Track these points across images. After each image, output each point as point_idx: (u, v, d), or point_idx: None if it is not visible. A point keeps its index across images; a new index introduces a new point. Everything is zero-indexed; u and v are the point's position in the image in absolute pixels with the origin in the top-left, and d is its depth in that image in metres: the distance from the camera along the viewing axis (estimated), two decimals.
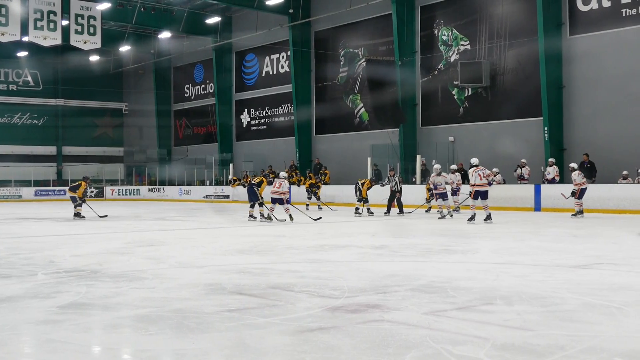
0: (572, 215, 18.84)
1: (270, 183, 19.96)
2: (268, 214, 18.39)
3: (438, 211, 19.98)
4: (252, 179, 20.42)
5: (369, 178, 23.67)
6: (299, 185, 29.01)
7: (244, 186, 32.93)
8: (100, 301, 6.37)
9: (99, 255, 10.14)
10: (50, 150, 47.05)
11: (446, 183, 20.23)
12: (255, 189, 18.68)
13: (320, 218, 18.80)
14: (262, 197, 18.64)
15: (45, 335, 5.06)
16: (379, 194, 22.96)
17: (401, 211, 20.69)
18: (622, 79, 22.99)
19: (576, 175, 18.75)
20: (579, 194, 18.70)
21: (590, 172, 22.26)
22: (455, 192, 20.88)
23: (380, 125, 30.04)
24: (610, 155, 22.61)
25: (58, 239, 13.53)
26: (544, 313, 5.64)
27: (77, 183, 21.11)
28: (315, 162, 32.45)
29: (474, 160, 17.71)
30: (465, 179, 21.36)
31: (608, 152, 22.77)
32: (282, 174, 19.24)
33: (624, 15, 22.80)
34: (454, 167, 21.63)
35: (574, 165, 19.66)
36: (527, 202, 22.31)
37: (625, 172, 21.29)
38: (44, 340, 4.95)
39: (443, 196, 19.86)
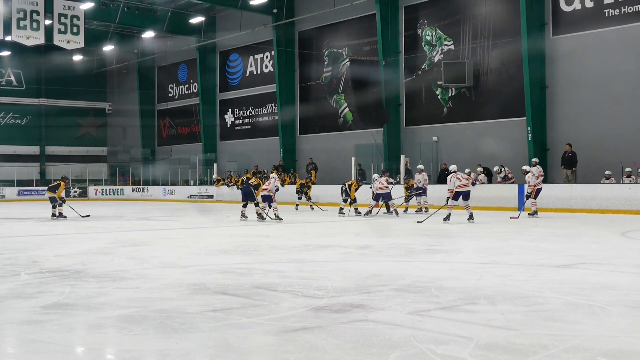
0: (528, 214, 18.93)
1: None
2: (260, 213, 18.39)
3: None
4: (249, 180, 20.13)
5: (354, 179, 23.71)
6: (283, 185, 28.87)
7: (228, 186, 32.98)
8: (83, 301, 6.34)
9: (82, 256, 10.09)
10: (34, 150, 46.74)
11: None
12: (252, 190, 18.58)
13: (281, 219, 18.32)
14: (257, 199, 18.58)
15: (28, 335, 5.04)
16: (365, 194, 22.97)
17: (395, 212, 20.65)
18: (604, 79, 23.11)
19: (529, 178, 18.93)
20: (534, 194, 18.83)
21: (572, 162, 22.48)
22: (422, 191, 21.46)
23: (364, 125, 30.07)
24: (593, 155, 22.71)
25: (41, 239, 13.45)
26: (527, 312, 5.67)
27: (56, 183, 20.97)
28: (308, 162, 32.13)
29: (453, 167, 18.45)
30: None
31: (591, 152, 22.86)
32: (273, 175, 19.51)
33: (606, 15, 22.93)
34: (420, 166, 21.78)
35: (526, 167, 19.91)
36: (511, 201, 22.37)
37: (608, 172, 21.38)
38: (27, 340, 4.93)
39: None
